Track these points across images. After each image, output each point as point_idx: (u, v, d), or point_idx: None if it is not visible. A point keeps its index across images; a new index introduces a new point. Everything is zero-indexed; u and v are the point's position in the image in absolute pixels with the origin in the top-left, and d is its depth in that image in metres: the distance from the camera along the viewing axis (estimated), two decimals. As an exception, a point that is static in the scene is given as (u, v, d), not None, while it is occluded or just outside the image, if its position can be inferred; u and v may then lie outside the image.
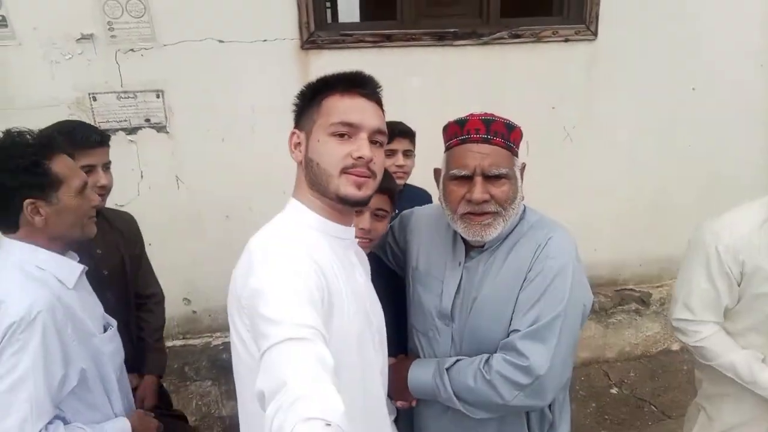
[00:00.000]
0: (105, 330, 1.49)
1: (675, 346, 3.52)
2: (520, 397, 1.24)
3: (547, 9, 3.08)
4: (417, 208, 1.64)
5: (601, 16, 2.93)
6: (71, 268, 1.39)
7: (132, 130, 2.76)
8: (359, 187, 1.05)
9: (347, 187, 1.04)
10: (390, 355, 1.32)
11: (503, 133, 1.26)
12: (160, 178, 2.85)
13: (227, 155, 2.84)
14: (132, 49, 2.64)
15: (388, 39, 2.82)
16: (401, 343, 1.55)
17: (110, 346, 1.49)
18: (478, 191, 1.23)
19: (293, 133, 1.12)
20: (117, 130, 2.73)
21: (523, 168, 1.34)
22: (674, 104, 3.20)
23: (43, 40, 2.56)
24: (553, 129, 3.13)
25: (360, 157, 1.03)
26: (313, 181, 1.07)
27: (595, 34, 2.97)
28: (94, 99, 2.68)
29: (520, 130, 1.31)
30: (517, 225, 1.35)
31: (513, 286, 1.28)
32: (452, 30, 2.86)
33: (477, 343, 1.34)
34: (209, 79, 2.73)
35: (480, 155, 1.23)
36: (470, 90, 2.95)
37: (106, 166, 1.74)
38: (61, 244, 1.39)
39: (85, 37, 2.58)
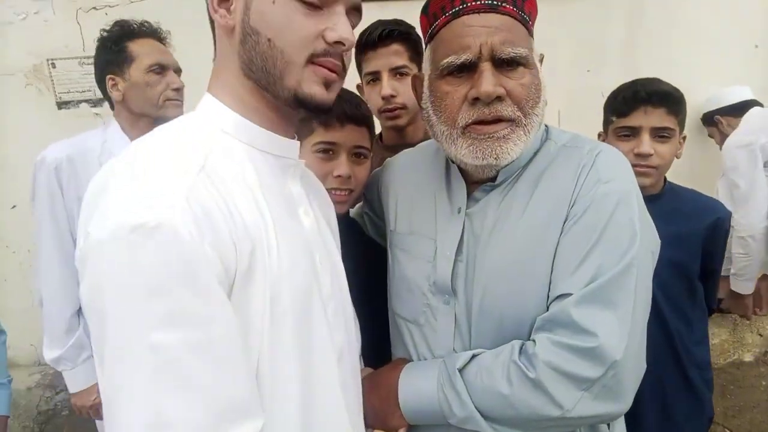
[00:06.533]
0: None
1: (748, 357, 3.10)
2: (587, 401, 0.78)
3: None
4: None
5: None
6: None
7: (98, 102, 2.42)
8: (328, 86, 0.74)
9: (313, 85, 0.72)
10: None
11: None
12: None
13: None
14: (95, 7, 2.36)
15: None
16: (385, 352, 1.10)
17: None
18: (488, 81, 0.82)
19: None
20: (80, 101, 2.43)
21: (541, 60, 0.94)
22: (736, 64, 2.76)
23: (-9, -2, 2.31)
24: (589, 94, 2.67)
25: (338, 42, 0.71)
26: (255, 65, 0.72)
27: (639, -22, 2.57)
28: (53, 66, 2.38)
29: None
30: (541, 147, 0.95)
31: (547, 230, 0.86)
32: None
33: (495, 326, 0.89)
34: (189, 40, 2.35)
35: (485, 29, 0.84)
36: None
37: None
38: (146, 124, 1.57)
39: (40, -7, 2.30)
